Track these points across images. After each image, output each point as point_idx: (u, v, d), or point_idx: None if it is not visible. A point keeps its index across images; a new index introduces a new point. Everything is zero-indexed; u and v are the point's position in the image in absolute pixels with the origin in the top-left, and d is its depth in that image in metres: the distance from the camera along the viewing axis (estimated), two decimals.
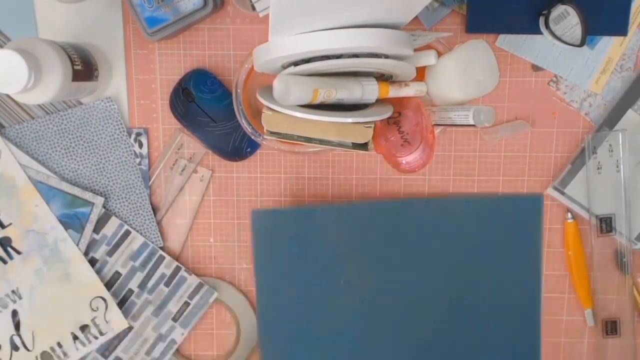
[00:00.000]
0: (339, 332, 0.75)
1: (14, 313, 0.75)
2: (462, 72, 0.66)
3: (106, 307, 0.75)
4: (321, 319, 0.75)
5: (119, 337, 0.77)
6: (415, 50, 0.66)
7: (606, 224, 0.75)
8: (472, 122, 0.64)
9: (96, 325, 0.76)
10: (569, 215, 0.76)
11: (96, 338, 0.76)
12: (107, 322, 0.75)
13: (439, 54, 0.68)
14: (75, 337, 0.76)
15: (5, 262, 0.74)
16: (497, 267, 0.74)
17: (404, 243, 0.74)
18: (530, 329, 0.75)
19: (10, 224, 0.74)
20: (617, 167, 0.74)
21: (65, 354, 0.76)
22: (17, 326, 0.75)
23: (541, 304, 0.75)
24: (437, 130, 0.72)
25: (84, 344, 0.76)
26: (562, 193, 0.76)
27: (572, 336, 0.79)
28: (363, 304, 0.75)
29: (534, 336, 0.75)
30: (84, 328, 0.76)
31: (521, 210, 0.73)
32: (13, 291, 0.75)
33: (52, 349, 0.76)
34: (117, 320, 0.76)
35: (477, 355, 0.75)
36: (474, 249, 0.74)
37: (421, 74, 0.69)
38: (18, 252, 0.74)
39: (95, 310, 0.75)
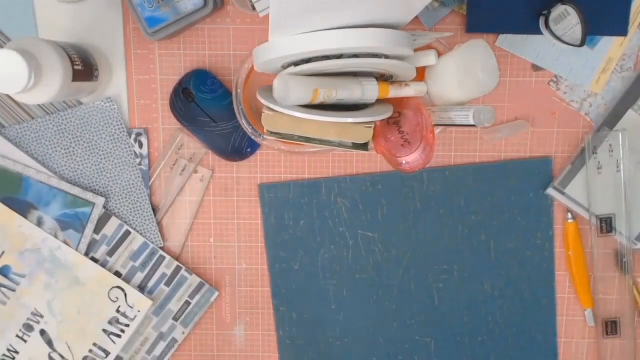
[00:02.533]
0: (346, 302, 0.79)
1: (42, 332, 0.76)
2: (462, 72, 0.66)
3: (125, 294, 0.76)
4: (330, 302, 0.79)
5: None
6: (415, 50, 0.66)
7: (606, 224, 0.75)
8: (472, 122, 0.64)
9: (122, 314, 0.76)
10: (569, 215, 0.76)
11: (127, 325, 0.76)
12: (131, 306, 0.76)
13: (439, 54, 0.68)
14: (108, 332, 0.76)
15: (13, 289, 0.75)
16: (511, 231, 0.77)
17: (410, 212, 0.77)
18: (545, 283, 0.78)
19: (3, 252, 0.75)
20: (617, 167, 0.74)
21: (105, 351, 0.77)
22: (49, 343, 0.76)
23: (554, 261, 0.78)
24: (437, 130, 0.72)
25: (119, 335, 0.76)
26: (562, 193, 0.76)
27: (572, 336, 0.79)
28: (372, 275, 0.78)
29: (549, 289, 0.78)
30: (112, 321, 0.76)
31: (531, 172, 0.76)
32: (33, 313, 0.76)
33: (91, 351, 0.76)
34: (140, 301, 0.76)
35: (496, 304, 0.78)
36: (482, 214, 0.76)
37: (421, 74, 0.69)
38: (21, 276, 0.75)
39: (115, 301, 0.76)
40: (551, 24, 0.71)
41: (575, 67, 0.74)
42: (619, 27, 0.73)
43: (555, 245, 0.77)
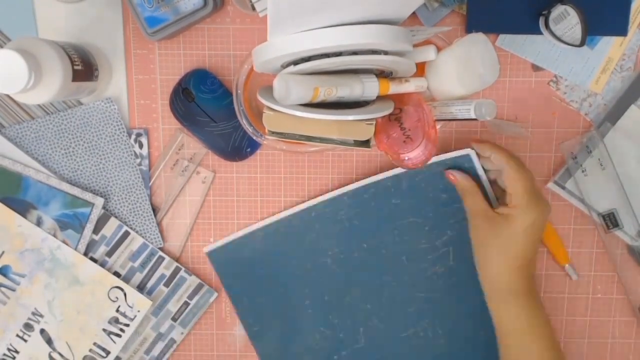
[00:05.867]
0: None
1: (42, 332, 0.76)
2: (462, 66, 0.65)
3: (125, 294, 0.76)
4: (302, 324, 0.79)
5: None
6: (415, 45, 0.66)
7: (610, 221, 0.75)
8: (473, 116, 0.64)
9: (122, 314, 0.76)
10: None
11: (127, 325, 0.76)
12: (130, 306, 0.76)
13: (438, 49, 0.68)
14: (109, 332, 0.76)
15: (13, 289, 0.75)
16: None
17: (358, 233, 0.76)
18: None
19: (3, 252, 0.74)
20: (602, 165, 0.74)
21: (105, 351, 0.76)
22: (49, 343, 0.76)
23: None
24: (439, 125, 0.71)
25: (119, 335, 0.76)
26: (563, 187, 0.75)
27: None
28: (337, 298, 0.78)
29: None
30: (112, 321, 0.76)
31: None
32: (33, 313, 0.75)
33: (92, 350, 0.76)
34: (139, 301, 0.76)
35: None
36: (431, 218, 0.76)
37: (421, 69, 0.69)
38: (21, 276, 0.75)
39: (115, 301, 0.76)
40: (551, 24, 0.71)
41: (575, 67, 0.74)
42: (619, 27, 0.73)
43: None
